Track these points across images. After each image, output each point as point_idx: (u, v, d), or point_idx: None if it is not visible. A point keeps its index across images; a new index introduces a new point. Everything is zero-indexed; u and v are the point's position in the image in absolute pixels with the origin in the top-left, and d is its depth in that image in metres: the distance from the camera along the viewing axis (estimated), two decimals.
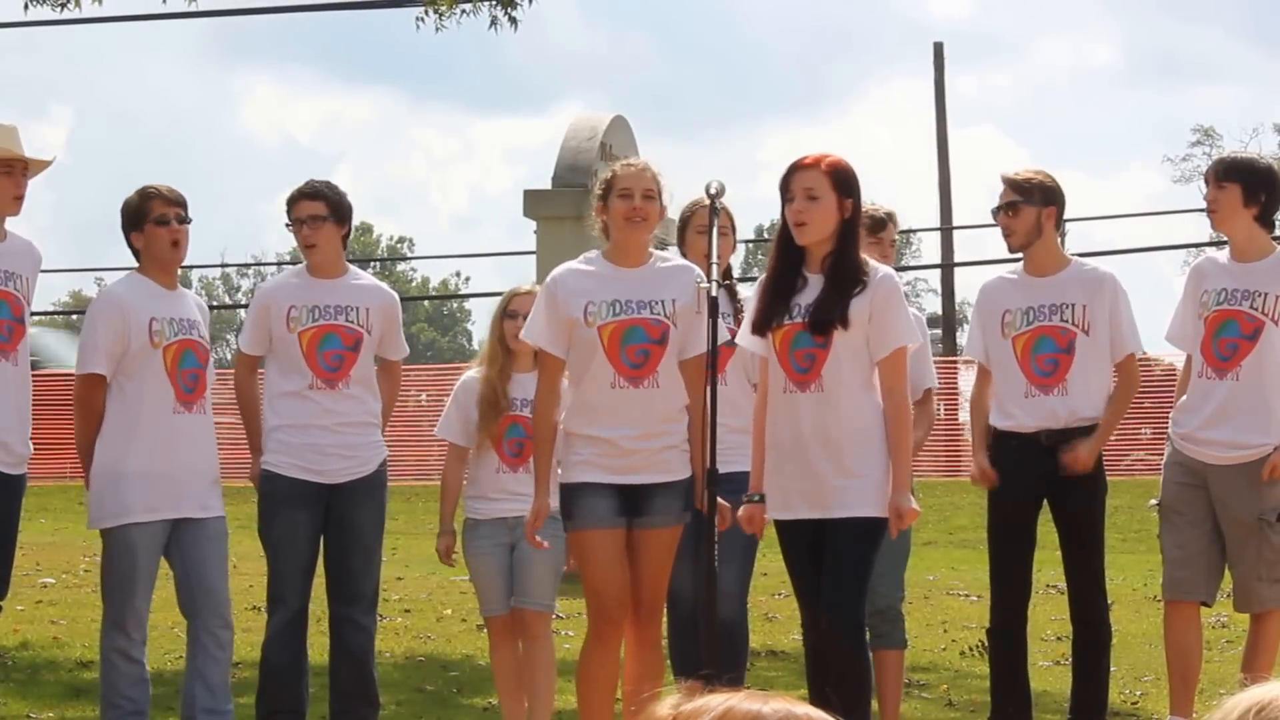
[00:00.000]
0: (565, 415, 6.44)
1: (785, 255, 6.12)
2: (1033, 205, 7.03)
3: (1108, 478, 7.11)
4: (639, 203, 6.33)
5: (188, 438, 6.81)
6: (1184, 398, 7.04)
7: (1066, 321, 6.99)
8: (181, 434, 6.79)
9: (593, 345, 6.29)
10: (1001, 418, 7.07)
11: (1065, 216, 7.35)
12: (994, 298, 7.18)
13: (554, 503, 6.48)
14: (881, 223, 7.19)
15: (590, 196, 6.60)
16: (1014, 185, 7.07)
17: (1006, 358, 7.08)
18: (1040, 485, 7.00)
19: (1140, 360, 7.35)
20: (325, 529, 7.10)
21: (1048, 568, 7.08)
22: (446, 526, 7.29)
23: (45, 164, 6.98)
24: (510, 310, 7.11)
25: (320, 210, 7.15)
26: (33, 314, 7.13)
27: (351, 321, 7.13)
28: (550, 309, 6.36)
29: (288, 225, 7.24)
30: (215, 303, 62.79)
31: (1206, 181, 7.01)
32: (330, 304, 7.13)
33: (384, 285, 7.52)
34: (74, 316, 54.54)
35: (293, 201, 7.21)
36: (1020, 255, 7.15)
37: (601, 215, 6.43)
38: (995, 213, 7.12)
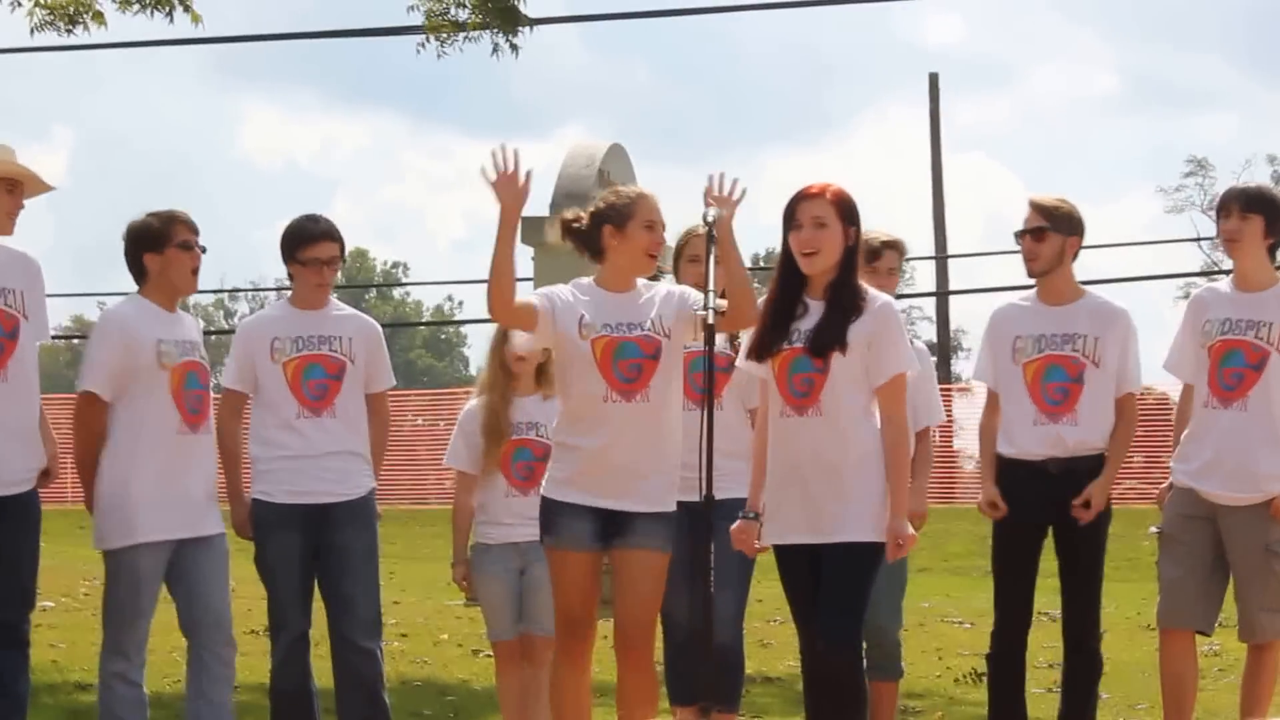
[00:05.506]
0: (555, 427, 6.47)
1: (786, 282, 6.15)
2: (1059, 233, 7.08)
3: None
4: (660, 236, 6.37)
5: (193, 459, 6.81)
6: (1188, 430, 7.04)
7: (1078, 352, 7.02)
8: (186, 456, 6.79)
9: (586, 359, 6.26)
10: (1008, 445, 7.10)
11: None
12: (1005, 323, 7.20)
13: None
14: (876, 252, 7.21)
15: (586, 212, 6.41)
16: (1042, 210, 7.10)
17: (1016, 384, 7.10)
18: (1046, 513, 7.02)
19: None
20: (317, 555, 7.09)
21: (1038, 595, 7.10)
22: (460, 555, 7.32)
23: (46, 187, 6.87)
24: (508, 334, 7.15)
25: (338, 251, 7.19)
26: None
27: (335, 350, 7.15)
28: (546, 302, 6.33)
29: (297, 263, 7.14)
30: (212, 328, 62.09)
31: (1224, 211, 6.98)
32: (313, 334, 7.16)
33: (364, 315, 7.48)
34: (75, 341, 54.26)
35: (310, 240, 7.15)
36: (1033, 283, 7.19)
37: (613, 239, 6.35)
38: (1019, 235, 7.13)
